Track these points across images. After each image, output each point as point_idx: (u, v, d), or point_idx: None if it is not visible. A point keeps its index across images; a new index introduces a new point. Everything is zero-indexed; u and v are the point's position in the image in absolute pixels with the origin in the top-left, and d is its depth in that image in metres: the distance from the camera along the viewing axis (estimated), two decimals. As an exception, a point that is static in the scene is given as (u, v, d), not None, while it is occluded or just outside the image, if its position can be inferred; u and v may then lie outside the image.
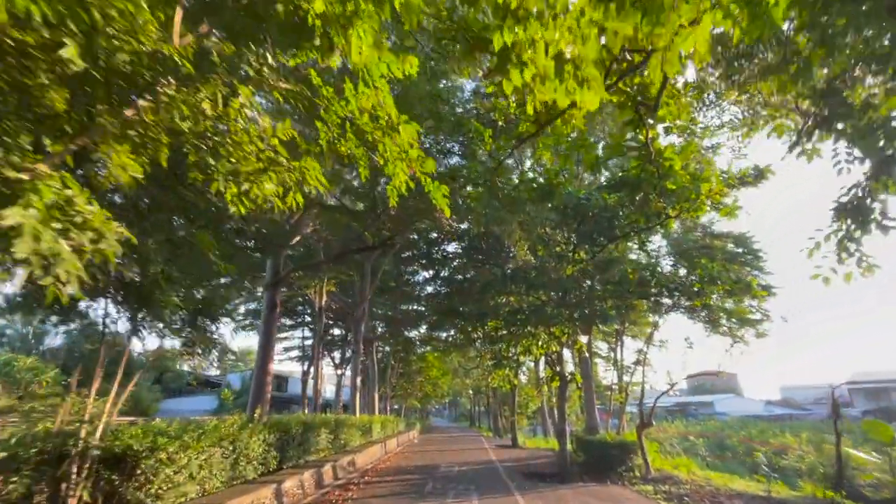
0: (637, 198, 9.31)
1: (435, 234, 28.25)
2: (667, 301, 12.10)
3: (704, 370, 12.64)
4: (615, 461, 12.94)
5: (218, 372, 69.58)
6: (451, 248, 30.76)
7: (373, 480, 11.33)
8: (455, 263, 30.63)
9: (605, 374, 26.00)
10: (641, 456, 12.47)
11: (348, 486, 10.24)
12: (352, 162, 4.46)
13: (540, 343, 12.20)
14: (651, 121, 6.47)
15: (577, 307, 11.42)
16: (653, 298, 12.85)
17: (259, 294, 29.56)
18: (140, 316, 5.42)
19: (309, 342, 36.52)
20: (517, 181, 10.35)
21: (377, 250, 11.76)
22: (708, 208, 9.30)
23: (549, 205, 11.60)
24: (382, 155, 4.19)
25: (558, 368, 12.19)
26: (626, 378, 19.05)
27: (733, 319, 13.50)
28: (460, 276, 30.00)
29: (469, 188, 10.27)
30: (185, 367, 55.54)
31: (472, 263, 28.36)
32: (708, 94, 8.56)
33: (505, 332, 13.92)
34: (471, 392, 54.36)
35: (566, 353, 13.39)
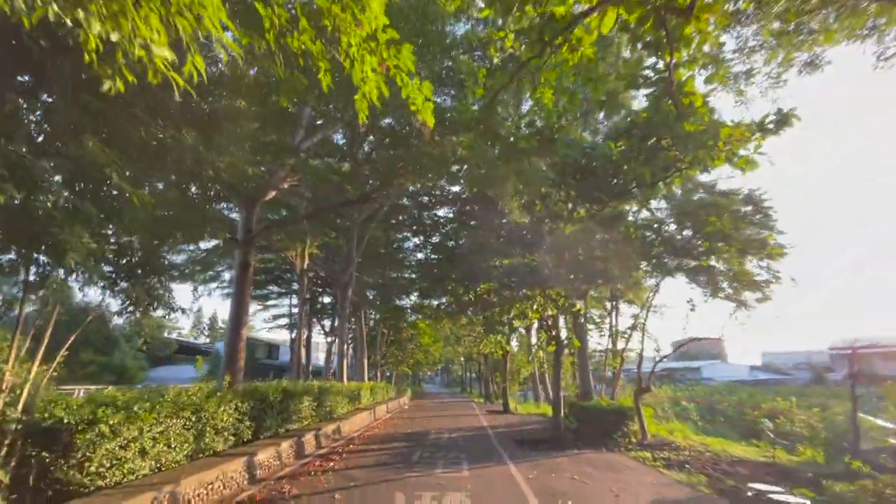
0: (647, 145, 8.36)
1: (426, 198, 27.20)
2: (670, 262, 11.37)
3: (704, 336, 12.08)
4: (611, 427, 12.54)
5: (207, 340, 69.28)
6: (443, 212, 29.88)
7: (358, 449, 10.78)
8: (446, 229, 29.78)
9: (599, 341, 25.76)
10: (638, 422, 12.07)
11: (331, 455, 9.65)
12: (309, 65, 3.43)
13: (535, 307, 11.49)
14: (676, 41, 5.45)
15: (576, 267, 10.64)
16: (655, 260, 12.13)
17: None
18: (45, 261, 4.43)
19: (297, 310, 35.95)
20: (515, 127, 9.29)
21: (359, 206, 10.79)
22: (726, 158, 8.39)
23: (549, 158, 10.62)
24: (346, 51, 3.18)
25: (554, 333, 11.53)
26: (620, 344, 18.60)
27: (737, 283, 12.86)
28: (452, 242, 29.22)
29: (461, 137, 9.23)
30: (171, 335, 55.05)
31: (464, 228, 27.52)
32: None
33: (497, 296, 13.20)
34: (462, 359, 54.67)
35: (560, 320, 12.74)
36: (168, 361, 49.09)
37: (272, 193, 11.15)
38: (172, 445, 6.22)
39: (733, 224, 10.11)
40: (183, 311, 6.55)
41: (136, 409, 5.57)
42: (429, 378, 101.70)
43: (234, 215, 13.36)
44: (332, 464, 8.73)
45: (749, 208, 12.05)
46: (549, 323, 11.86)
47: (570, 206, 12.44)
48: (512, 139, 8.19)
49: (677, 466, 8.90)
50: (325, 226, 18.14)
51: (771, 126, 9.03)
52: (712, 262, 11.29)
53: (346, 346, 18.52)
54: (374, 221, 19.92)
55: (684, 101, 6.75)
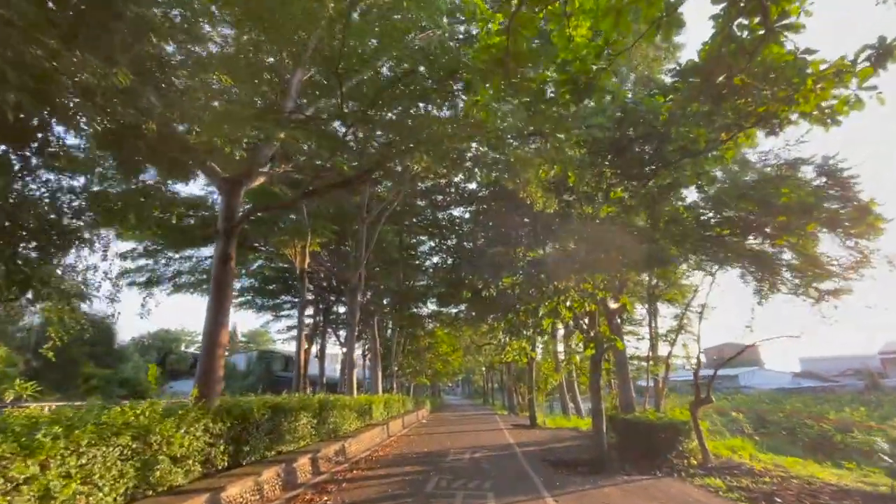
0: (715, 84, 6.56)
1: (440, 197, 25.62)
2: (730, 242, 9.47)
3: (751, 341, 10.12)
4: (662, 445, 10.57)
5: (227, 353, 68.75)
6: (458, 212, 28.28)
7: (363, 475, 9.10)
8: (463, 230, 28.17)
9: (636, 346, 23.65)
10: (697, 439, 10.05)
11: (328, 485, 7.98)
12: None
13: (568, 302, 9.69)
14: None
15: (616, 255, 8.82)
16: (710, 244, 10.20)
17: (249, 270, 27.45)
18: None
19: (313, 320, 34.62)
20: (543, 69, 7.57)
21: (359, 184, 9.27)
22: (815, 102, 6.52)
23: (580, 128, 8.91)
24: None
25: (593, 333, 9.69)
26: (661, 348, 16.54)
27: (809, 271, 10.79)
28: (469, 244, 27.53)
29: (475, 96, 7.62)
30: (188, 349, 54.60)
31: (482, 229, 25.83)
32: None
33: (522, 292, 11.44)
34: (483, 369, 52.55)
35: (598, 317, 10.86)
36: (182, 375, 48.54)
37: (260, 179, 9.71)
38: (100, 484, 4.67)
39: (814, 193, 8.18)
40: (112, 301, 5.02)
41: (40, 436, 4.05)
42: (449, 389, 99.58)
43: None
44: (325, 498, 7.07)
45: (823, 180, 10.04)
46: (586, 322, 10.02)
47: (604, 186, 10.68)
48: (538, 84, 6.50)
49: (765, 501, 6.92)
50: (325, 219, 16.74)
51: (870, 61, 7.12)
52: (784, 245, 9.32)
53: (357, 356, 16.92)
54: (383, 222, 18.43)
55: (773, 8, 4.96)
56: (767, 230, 9.05)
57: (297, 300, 34.89)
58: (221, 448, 6.94)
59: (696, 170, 9.95)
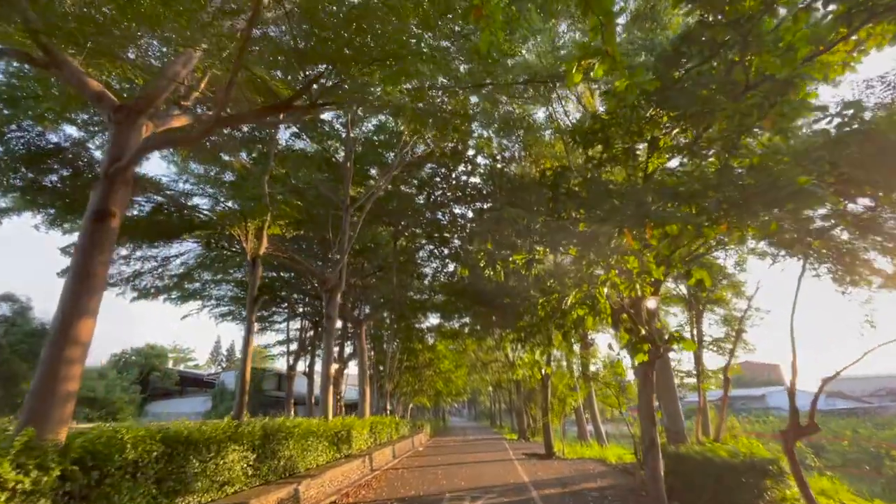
0: None
1: (438, 193, 22.89)
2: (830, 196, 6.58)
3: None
4: (742, 494, 7.50)
5: (214, 370, 65.37)
6: (460, 210, 25.56)
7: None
8: (465, 232, 25.43)
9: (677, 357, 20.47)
10: (798, 486, 6.92)
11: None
12: None
13: (605, 289, 6.80)
14: None
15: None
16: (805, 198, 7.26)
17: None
18: None
19: (306, 333, 31.71)
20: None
21: (295, 112, 6.54)
22: None
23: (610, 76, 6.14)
24: None
25: (645, 332, 6.73)
26: (709, 357, 13.42)
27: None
28: (472, 248, 24.70)
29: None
30: (177, 366, 51.50)
31: (487, 228, 23.05)
32: None
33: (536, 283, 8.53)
34: (490, 388, 48.96)
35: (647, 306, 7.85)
36: (169, 395, 45.29)
37: (177, 115, 7.01)
38: None
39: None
40: None
41: None
42: (455, 410, 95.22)
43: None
44: None
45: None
46: (631, 315, 7.06)
47: (653, 133, 7.88)
48: None
49: None
50: (296, 201, 14.04)
51: None
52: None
53: (330, 368, 13.97)
54: (368, 209, 15.69)
55: None
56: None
57: (290, 312, 32.07)
58: (40, 515, 4.03)
59: (778, 107, 7.04)
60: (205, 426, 6.57)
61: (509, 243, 12.07)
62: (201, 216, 14.64)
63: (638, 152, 8.40)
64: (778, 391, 51.01)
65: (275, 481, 8.09)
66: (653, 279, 6.64)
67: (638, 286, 6.27)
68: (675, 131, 7.48)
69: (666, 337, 6.81)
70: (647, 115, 7.94)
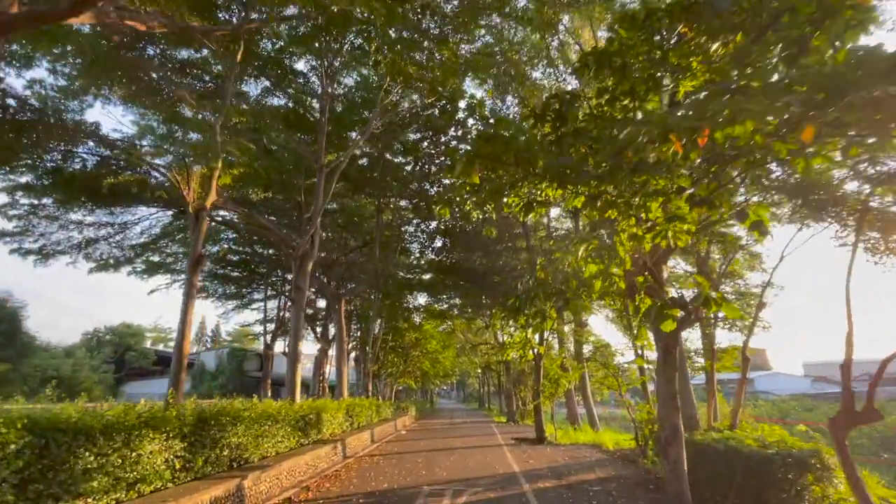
0: None
1: (426, 162, 21.24)
2: None
3: None
4: (777, 491, 6.26)
5: (204, 349, 63.49)
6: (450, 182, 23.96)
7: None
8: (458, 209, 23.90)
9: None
10: (850, 483, 5.67)
11: None
12: None
13: (625, 237, 5.37)
14: None
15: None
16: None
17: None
18: None
19: (284, 314, 30.16)
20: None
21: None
22: None
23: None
24: None
25: (674, 293, 5.33)
26: (724, 334, 12.21)
27: None
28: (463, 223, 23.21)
29: None
30: (156, 346, 49.74)
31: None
32: None
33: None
34: (479, 370, 48.12)
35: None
36: (154, 375, 43.62)
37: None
38: None
39: None
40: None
41: None
42: (444, 392, 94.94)
43: None
44: None
45: None
46: (655, 274, 5.67)
47: (679, 58, 6.37)
48: None
49: None
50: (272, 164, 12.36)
51: None
52: None
53: (299, 346, 12.50)
54: (343, 168, 14.03)
55: None
56: None
57: (270, 292, 30.41)
58: None
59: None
60: (95, 415, 5.04)
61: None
62: (154, 175, 12.87)
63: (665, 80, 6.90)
64: (766, 375, 50.89)
65: (213, 475, 6.66)
66: (685, 228, 5.21)
67: (671, 234, 4.82)
68: (714, 46, 5.96)
69: (698, 300, 5.40)
70: (676, 33, 6.45)
